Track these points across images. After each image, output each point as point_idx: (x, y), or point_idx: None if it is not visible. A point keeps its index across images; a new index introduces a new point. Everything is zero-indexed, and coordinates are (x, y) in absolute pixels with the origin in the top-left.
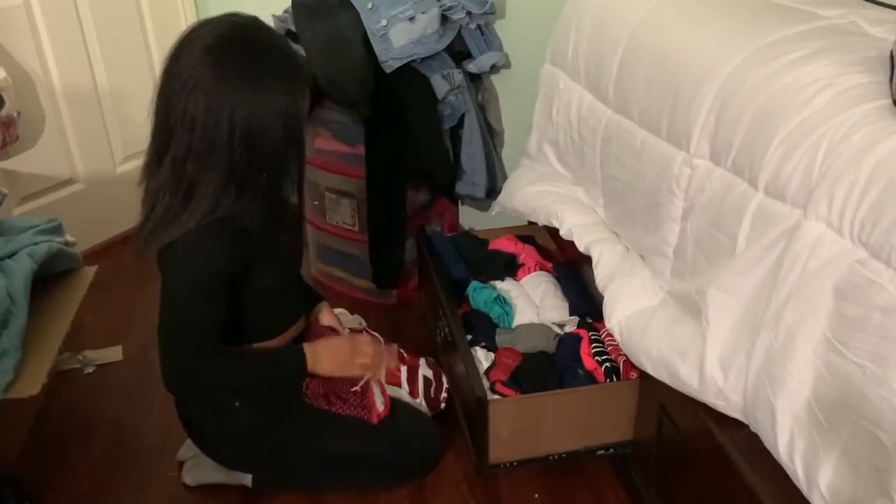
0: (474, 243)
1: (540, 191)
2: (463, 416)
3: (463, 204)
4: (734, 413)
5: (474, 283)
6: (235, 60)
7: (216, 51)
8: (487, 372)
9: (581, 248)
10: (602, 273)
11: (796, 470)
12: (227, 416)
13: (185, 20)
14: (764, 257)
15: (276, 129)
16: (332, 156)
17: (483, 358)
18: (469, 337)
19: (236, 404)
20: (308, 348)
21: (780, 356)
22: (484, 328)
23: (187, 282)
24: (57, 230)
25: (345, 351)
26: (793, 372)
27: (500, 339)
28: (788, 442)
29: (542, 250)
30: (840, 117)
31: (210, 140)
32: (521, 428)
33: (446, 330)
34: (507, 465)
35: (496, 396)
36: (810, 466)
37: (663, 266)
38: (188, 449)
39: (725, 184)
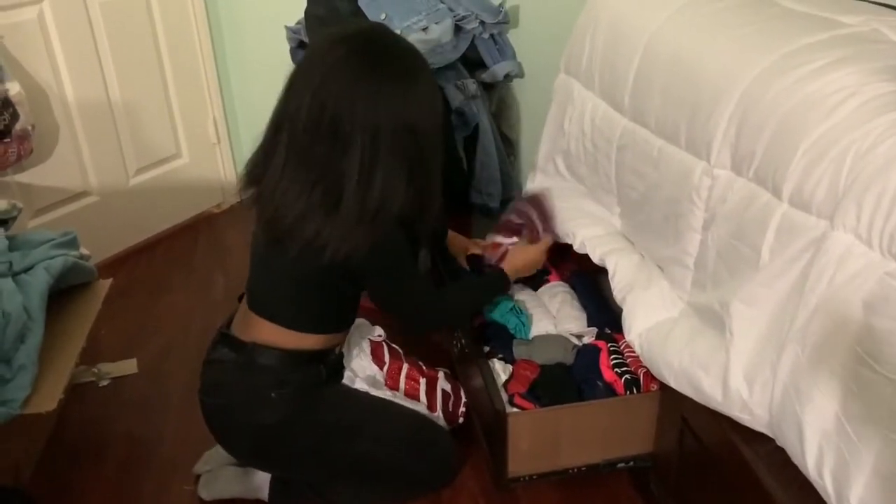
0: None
1: None
2: (481, 429)
3: (476, 213)
4: (759, 427)
5: None
6: (390, 64)
7: (372, 62)
8: (505, 384)
9: (595, 260)
10: (619, 285)
11: (826, 486)
12: (260, 404)
13: (197, 34)
14: (789, 269)
15: (435, 124)
16: None
17: (501, 370)
18: (486, 349)
19: (273, 395)
20: (505, 267)
21: (807, 370)
22: (500, 340)
23: (397, 267)
24: (72, 244)
25: (526, 257)
26: (821, 386)
27: (518, 350)
28: (817, 457)
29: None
30: (866, 126)
31: (395, 145)
32: (539, 441)
33: (462, 342)
34: (526, 478)
35: (515, 409)
36: (841, 482)
37: (683, 277)
38: (205, 462)
39: (748, 194)
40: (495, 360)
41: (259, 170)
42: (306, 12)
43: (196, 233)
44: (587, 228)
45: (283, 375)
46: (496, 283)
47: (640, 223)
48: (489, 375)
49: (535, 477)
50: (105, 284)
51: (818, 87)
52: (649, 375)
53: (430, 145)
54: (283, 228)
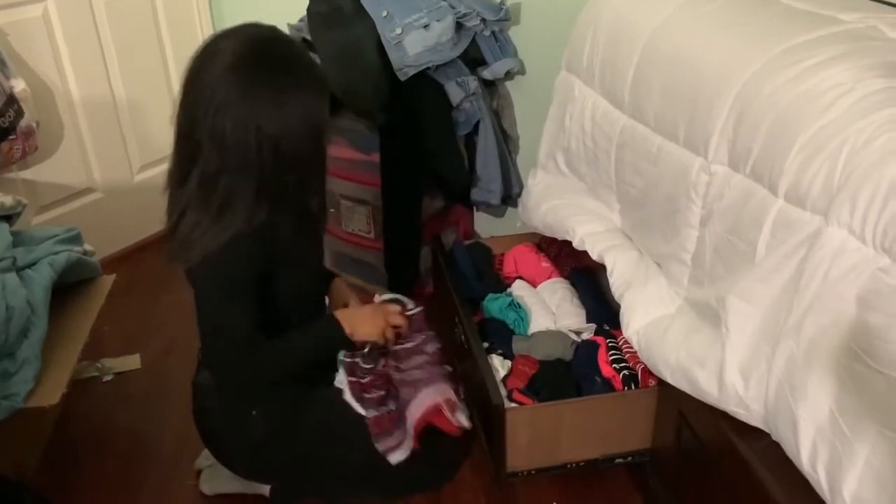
0: (487, 257)
1: (552, 206)
2: (480, 424)
3: (478, 210)
4: (755, 422)
5: (490, 295)
6: (259, 74)
7: (239, 66)
8: (504, 380)
9: (594, 257)
10: (618, 281)
11: (819, 480)
12: (244, 425)
13: (201, 31)
14: (784, 265)
15: (302, 139)
16: (347, 164)
17: (500, 365)
18: (485, 345)
19: (253, 413)
20: (340, 315)
21: (801, 365)
22: (500, 335)
23: (215, 290)
24: (76, 240)
25: (377, 314)
26: (815, 381)
27: (517, 346)
28: (811, 451)
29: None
30: (861, 123)
31: (240, 155)
32: (538, 436)
33: (462, 338)
34: (525, 473)
35: (513, 405)
36: (834, 476)
37: (681, 273)
38: (206, 457)
39: (744, 190)
40: (494, 355)
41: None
42: (309, 10)
43: None
44: (586, 225)
45: (261, 393)
46: (329, 339)
47: (640, 220)
48: (488, 371)
49: (533, 472)
50: (108, 280)
51: (814, 83)
52: (647, 371)
53: (297, 163)
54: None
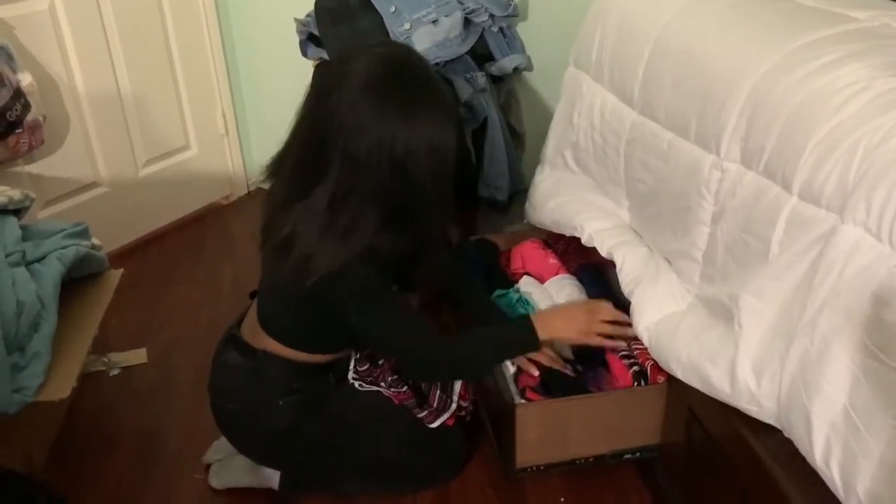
0: (493, 253)
1: (560, 203)
2: (489, 420)
3: (484, 206)
4: (767, 418)
5: (498, 291)
6: (394, 96)
7: (375, 87)
8: (515, 377)
9: (603, 253)
10: (627, 278)
11: (833, 477)
12: (268, 412)
13: (206, 27)
14: (798, 262)
15: (431, 163)
16: None
17: (509, 362)
18: None
19: (280, 402)
20: (539, 316)
21: (815, 362)
22: None
23: (366, 300)
24: (83, 234)
25: (578, 313)
26: (829, 378)
27: None
28: (825, 448)
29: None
30: (877, 121)
31: (373, 177)
32: (547, 432)
33: None
34: (534, 468)
35: (523, 401)
36: (848, 473)
37: (692, 270)
38: (215, 451)
39: (757, 188)
40: None
41: (274, 167)
42: (316, 4)
43: (204, 224)
44: (595, 222)
45: (292, 385)
46: (517, 337)
47: (649, 216)
48: (498, 368)
49: (542, 467)
50: (116, 274)
51: (829, 81)
52: (657, 367)
53: (419, 188)
54: (269, 240)
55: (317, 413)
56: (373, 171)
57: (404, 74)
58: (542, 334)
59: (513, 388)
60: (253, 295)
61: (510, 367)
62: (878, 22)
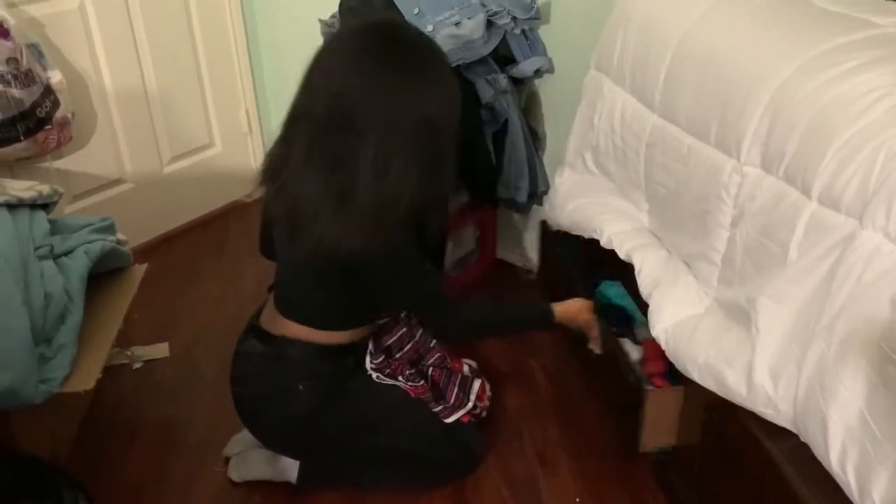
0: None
1: (579, 205)
2: (606, 403)
3: (503, 207)
4: (783, 422)
5: (605, 282)
6: (410, 59)
7: (393, 55)
8: (639, 363)
9: (622, 256)
10: (645, 280)
11: (849, 481)
12: (288, 397)
13: (231, 25)
14: (817, 267)
15: (453, 121)
16: None
17: (631, 349)
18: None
19: (300, 387)
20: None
21: (833, 367)
22: (621, 322)
23: (406, 264)
24: (109, 229)
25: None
26: (846, 383)
27: (643, 332)
28: (841, 452)
29: None
30: None
31: (409, 140)
32: (671, 418)
33: None
34: (656, 451)
35: (650, 387)
36: (864, 478)
37: (710, 273)
38: (235, 444)
39: (777, 192)
40: (625, 339)
41: (278, 163)
42: (340, 5)
43: (227, 221)
44: (614, 224)
45: (312, 368)
46: (536, 315)
47: (669, 219)
48: (622, 352)
49: (665, 449)
50: (141, 269)
51: (851, 86)
52: None
53: (446, 142)
54: (298, 221)
55: (336, 400)
56: (409, 134)
57: (408, 39)
58: (560, 316)
59: (640, 372)
60: (270, 289)
61: (633, 353)
62: None
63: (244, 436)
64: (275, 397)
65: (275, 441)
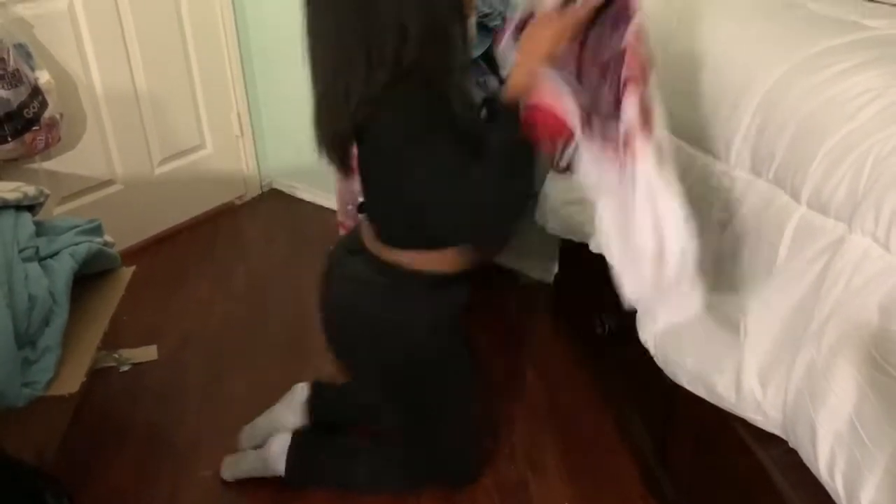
0: None
1: (571, 210)
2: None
3: None
4: (772, 428)
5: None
6: None
7: None
8: None
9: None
10: None
11: (837, 487)
12: (402, 325)
13: (223, 28)
14: (806, 271)
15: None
16: None
17: None
18: None
19: (414, 316)
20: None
21: (821, 373)
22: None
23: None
24: (97, 231)
25: (531, 39)
26: (835, 389)
27: None
28: (829, 459)
29: None
30: (888, 130)
31: (430, 31)
32: None
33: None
34: None
35: None
36: (852, 484)
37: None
38: (248, 438)
39: (766, 196)
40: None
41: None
42: None
43: (217, 224)
44: None
45: (424, 296)
46: (505, 127)
47: None
48: None
49: None
50: (128, 272)
51: (841, 89)
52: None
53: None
54: (334, 102)
55: (441, 338)
56: (430, 23)
57: None
58: (511, 96)
59: None
60: (359, 208)
61: None
62: (893, 30)
63: (254, 429)
64: (387, 324)
65: (367, 369)
